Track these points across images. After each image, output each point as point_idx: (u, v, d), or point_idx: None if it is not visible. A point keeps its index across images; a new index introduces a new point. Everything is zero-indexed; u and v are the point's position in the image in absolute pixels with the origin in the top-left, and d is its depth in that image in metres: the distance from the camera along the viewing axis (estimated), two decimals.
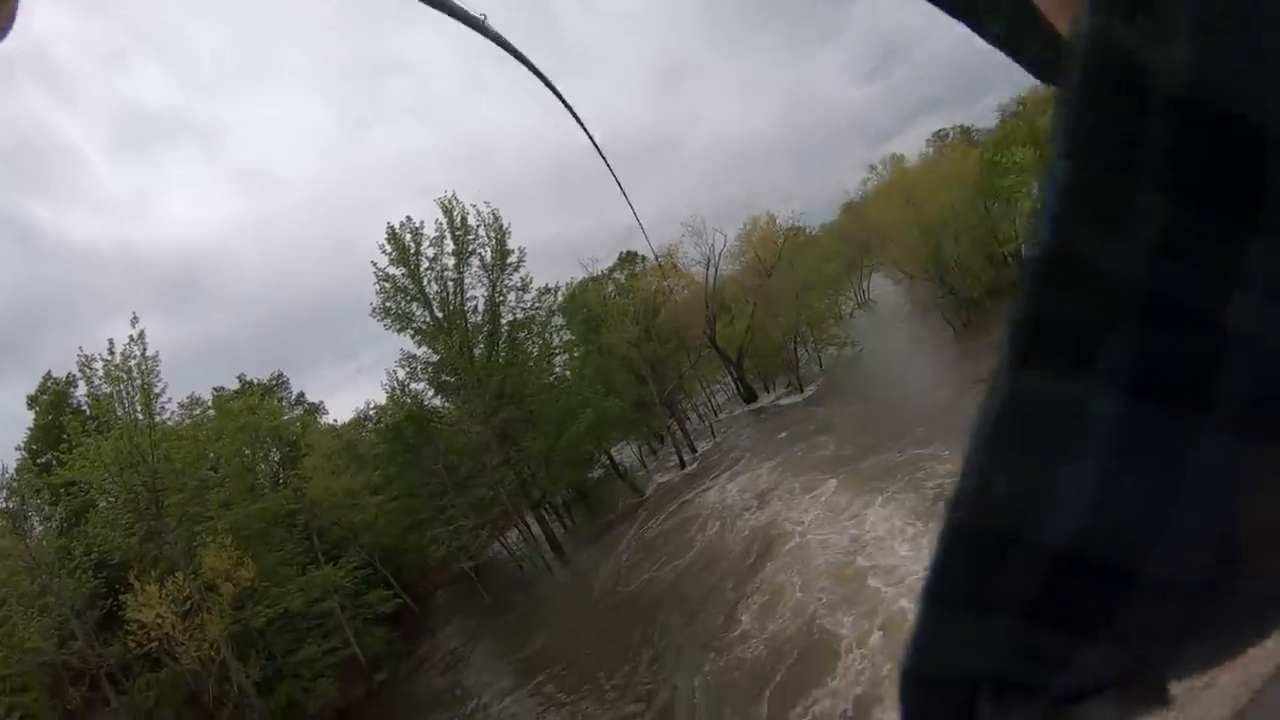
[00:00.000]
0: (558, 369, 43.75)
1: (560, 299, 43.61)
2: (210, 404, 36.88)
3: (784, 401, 40.36)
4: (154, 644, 25.44)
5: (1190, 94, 0.15)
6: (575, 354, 44.69)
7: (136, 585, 25.75)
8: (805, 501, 23.14)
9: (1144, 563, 0.24)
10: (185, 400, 34.37)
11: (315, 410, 49.33)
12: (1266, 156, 0.15)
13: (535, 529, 38.71)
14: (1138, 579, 0.25)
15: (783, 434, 33.09)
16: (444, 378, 39.13)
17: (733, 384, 46.29)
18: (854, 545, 17.54)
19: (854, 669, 12.99)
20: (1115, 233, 0.17)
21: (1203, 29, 0.15)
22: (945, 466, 18.52)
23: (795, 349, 43.02)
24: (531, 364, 40.49)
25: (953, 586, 0.25)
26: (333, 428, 46.11)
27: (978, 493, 0.25)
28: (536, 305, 41.29)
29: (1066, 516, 0.24)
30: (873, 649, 13.04)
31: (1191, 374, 0.21)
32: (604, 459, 43.99)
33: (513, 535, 40.15)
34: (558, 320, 43.52)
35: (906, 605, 13.73)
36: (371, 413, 45.72)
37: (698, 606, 20.36)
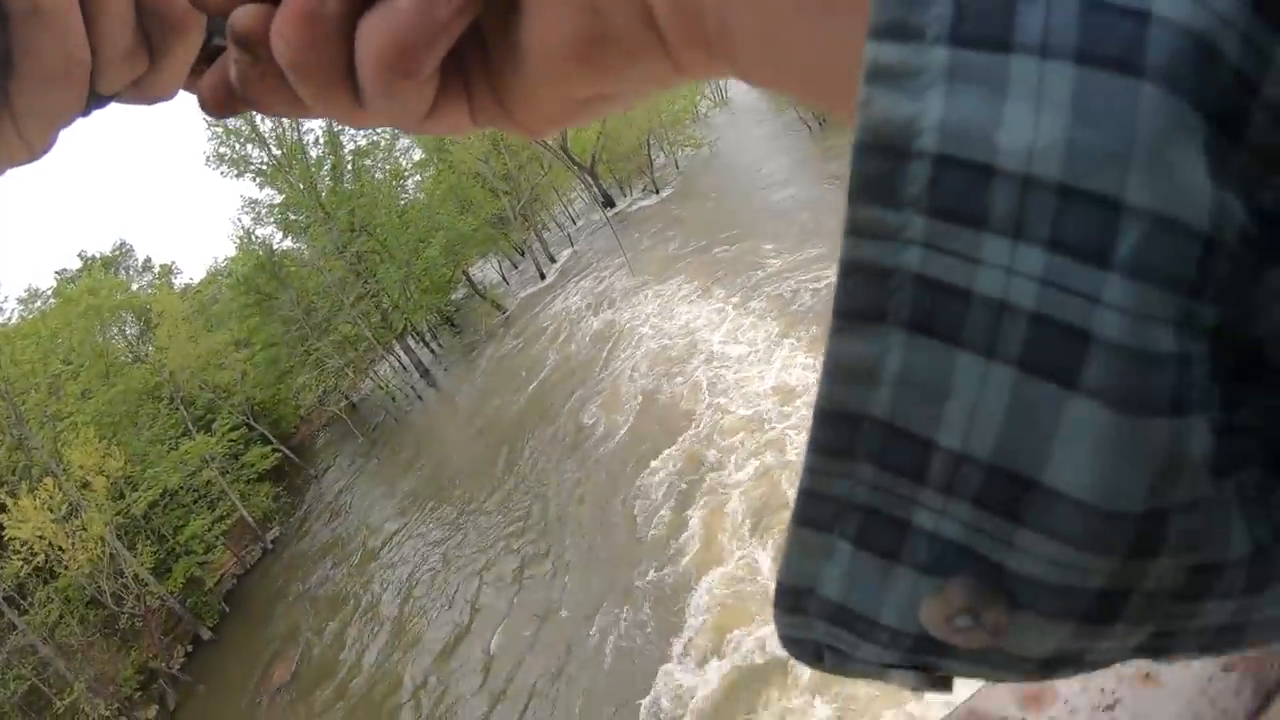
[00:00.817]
0: (409, 192, 42.39)
1: None
2: (51, 292, 34.55)
3: (641, 204, 40.38)
4: (40, 557, 24.86)
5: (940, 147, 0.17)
6: (427, 174, 43.22)
7: (9, 502, 24.93)
8: (648, 299, 23.97)
9: None
10: (24, 294, 32.14)
11: (168, 271, 46.55)
12: (996, 184, 0.17)
13: (405, 359, 38.53)
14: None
15: (635, 234, 33.48)
16: (291, 217, 37.59)
17: (590, 191, 45.74)
18: (683, 330, 19.47)
19: (691, 428, 15.15)
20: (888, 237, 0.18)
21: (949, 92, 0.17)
22: (777, 261, 19.22)
23: (649, 152, 42.54)
24: (381, 191, 39.00)
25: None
26: (188, 288, 43.94)
27: None
28: (371, 138, 39.34)
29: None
30: (704, 408, 15.12)
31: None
32: (464, 280, 43.44)
33: (385, 368, 39.92)
34: (404, 141, 41.68)
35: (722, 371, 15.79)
36: (224, 266, 43.64)
37: (558, 413, 21.15)
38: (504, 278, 46.71)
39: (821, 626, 0.22)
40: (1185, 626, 0.21)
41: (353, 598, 21.14)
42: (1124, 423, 0.17)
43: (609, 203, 44.36)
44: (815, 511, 0.22)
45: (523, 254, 44.85)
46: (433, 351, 41.38)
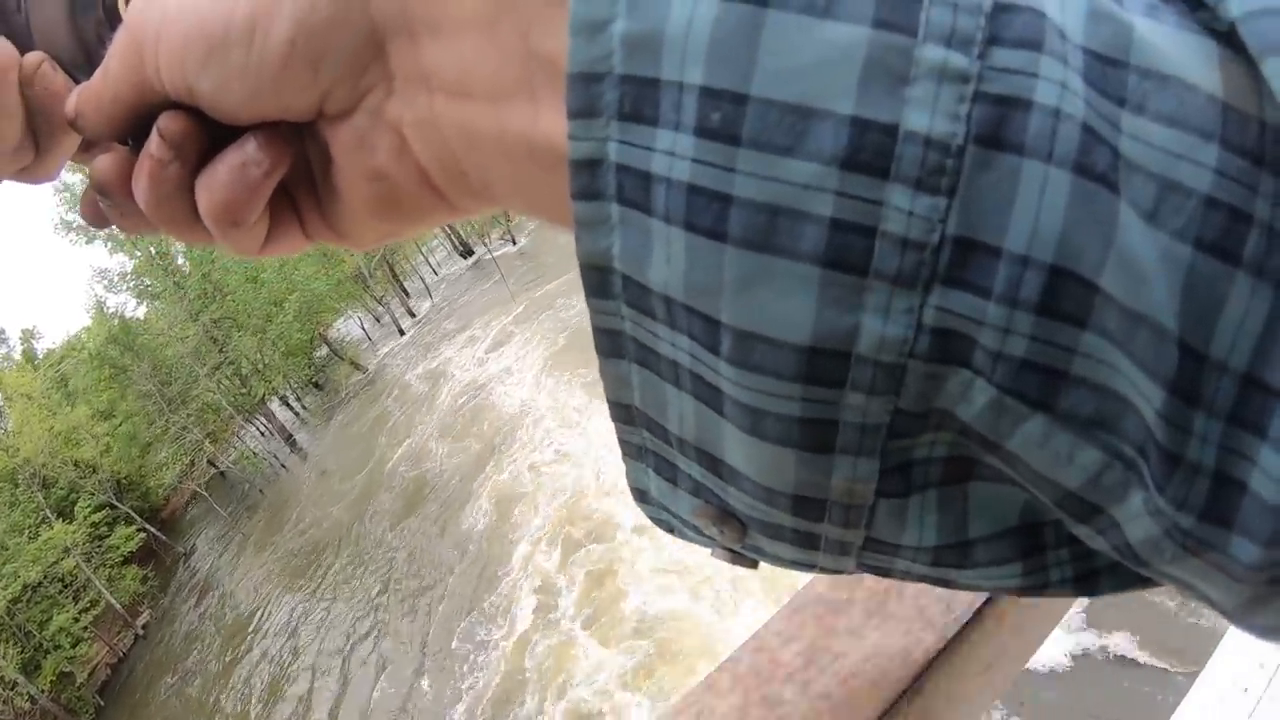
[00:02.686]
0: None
1: None
2: None
3: (498, 253, 41.16)
4: None
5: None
6: None
7: None
8: (493, 351, 25.06)
9: None
10: None
11: (30, 336, 44.61)
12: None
13: (272, 425, 38.29)
14: None
15: (487, 284, 34.97)
16: (146, 283, 37.24)
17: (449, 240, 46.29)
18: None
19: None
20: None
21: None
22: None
23: None
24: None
25: None
26: (47, 358, 42.35)
27: None
28: None
29: None
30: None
31: None
32: (321, 343, 43.35)
33: (252, 434, 39.53)
34: None
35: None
36: (79, 336, 42.38)
37: (413, 470, 21.86)
38: (367, 334, 46.82)
39: (628, 317, 0.25)
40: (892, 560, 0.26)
41: (225, 678, 21.26)
42: None
43: (468, 252, 45.09)
44: (626, 444, 0.28)
45: (387, 307, 45.04)
46: (298, 415, 41.21)
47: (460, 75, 0.26)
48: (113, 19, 0.35)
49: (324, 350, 44.04)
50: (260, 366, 37.81)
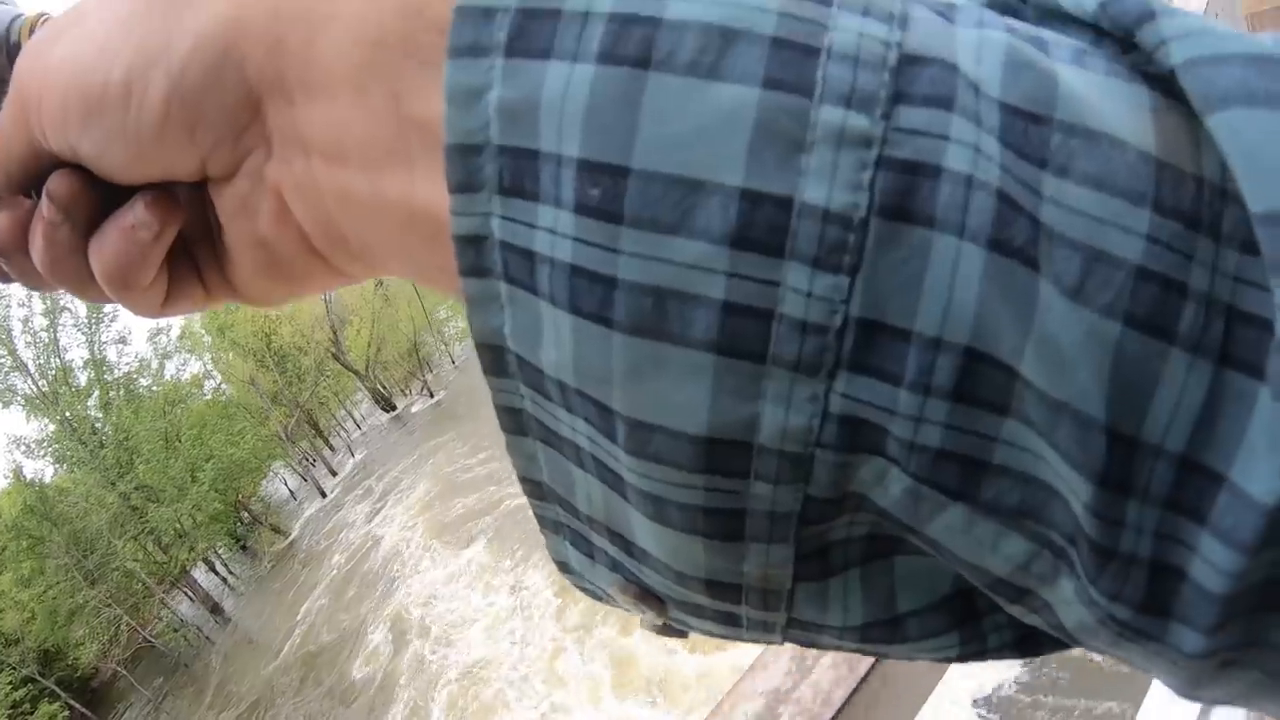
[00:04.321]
0: (189, 410, 42.64)
1: (177, 336, 42.55)
2: None
3: (415, 409, 42.44)
4: None
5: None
6: (204, 394, 43.87)
7: None
8: (415, 523, 25.91)
9: None
10: None
11: None
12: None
13: (197, 594, 38.30)
14: None
15: (407, 442, 36.08)
16: (65, 449, 37.37)
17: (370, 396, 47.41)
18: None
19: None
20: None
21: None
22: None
23: (418, 356, 44.97)
24: (143, 419, 39.13)
25: None
26: None
27: None
28: (142, 357, 40.08)
29: None
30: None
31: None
32: (243, 511, 43.66)
33: (183, 604, 39.38)
34: (175, 362, 42.39)
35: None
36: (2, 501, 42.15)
37: (341, 646, 22.55)
38: (292, 494, 47.23)
39: (527, 396, 0.24)
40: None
41: None
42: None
43: (390, 406, 46.22)
44: (545, 526, 0.27)
45: (315, 463, 45.63)
46: (225, 581, 41.19)
47: (335, 139, 0.25)
48: (15, 59, 0.34)
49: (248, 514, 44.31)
50: (182, 534, 37.98)
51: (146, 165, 0.28)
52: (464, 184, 0.21)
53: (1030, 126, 0.19)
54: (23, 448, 37.89)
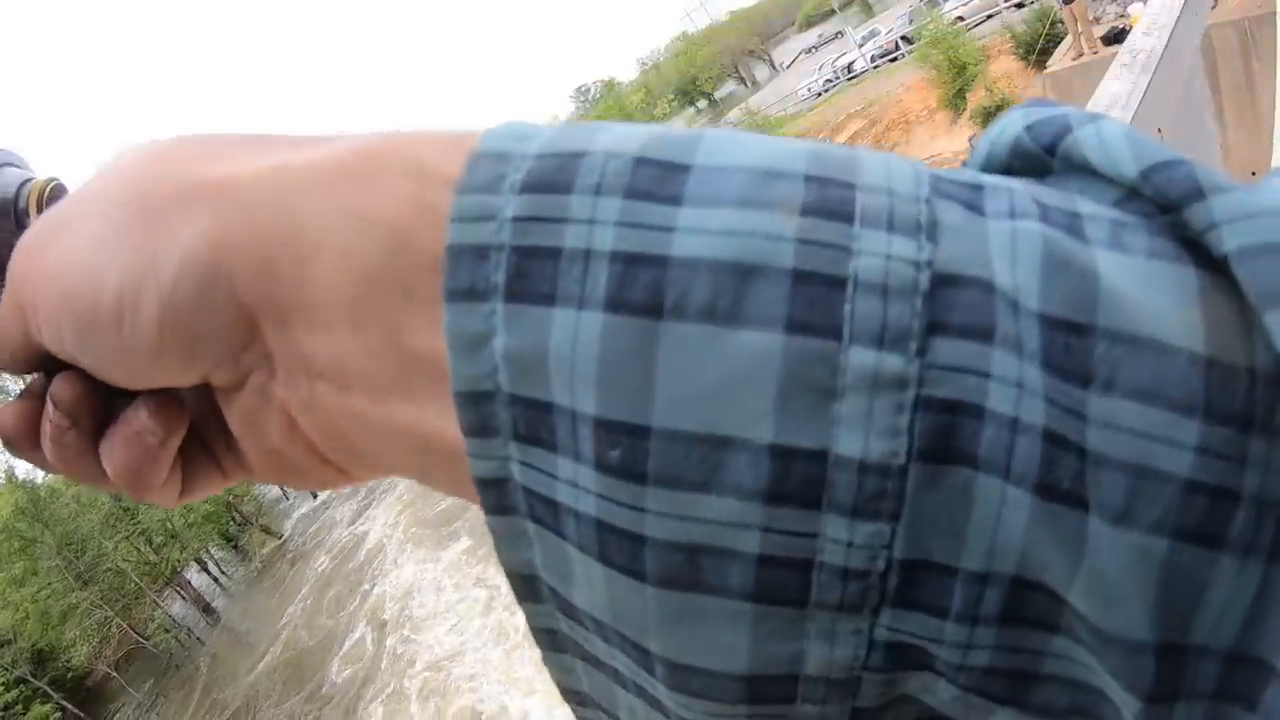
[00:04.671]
0: None
1: None
2: None
3: None
4: None
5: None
6: None
7: None
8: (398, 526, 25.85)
9: None
10: None
11: None
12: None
13: (189, 594, 38.33)
14: None
15: None
16: None
17: None
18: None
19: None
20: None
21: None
22: None
23: None
24: None
25: None
26: None
27: None
28: None
29: None
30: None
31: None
32: (235, 512, 43.67)
33: (176, 605, 39.45)
34: None
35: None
36: None
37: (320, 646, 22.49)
38: (284, 493, 47.06)
39: (562, 620, 0.23)
40: None
41: None
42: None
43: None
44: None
45: None
46: (217, 580, 41.26)
47: (337, 367, 0.24)
48: (23, 226, 0.35)
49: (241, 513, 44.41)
50: (173, 534, 38.03)
51: (146, 380, 0.27)
52: (479, 429, 0.21)
53: (1073, 340, 0.18)
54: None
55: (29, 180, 0.37)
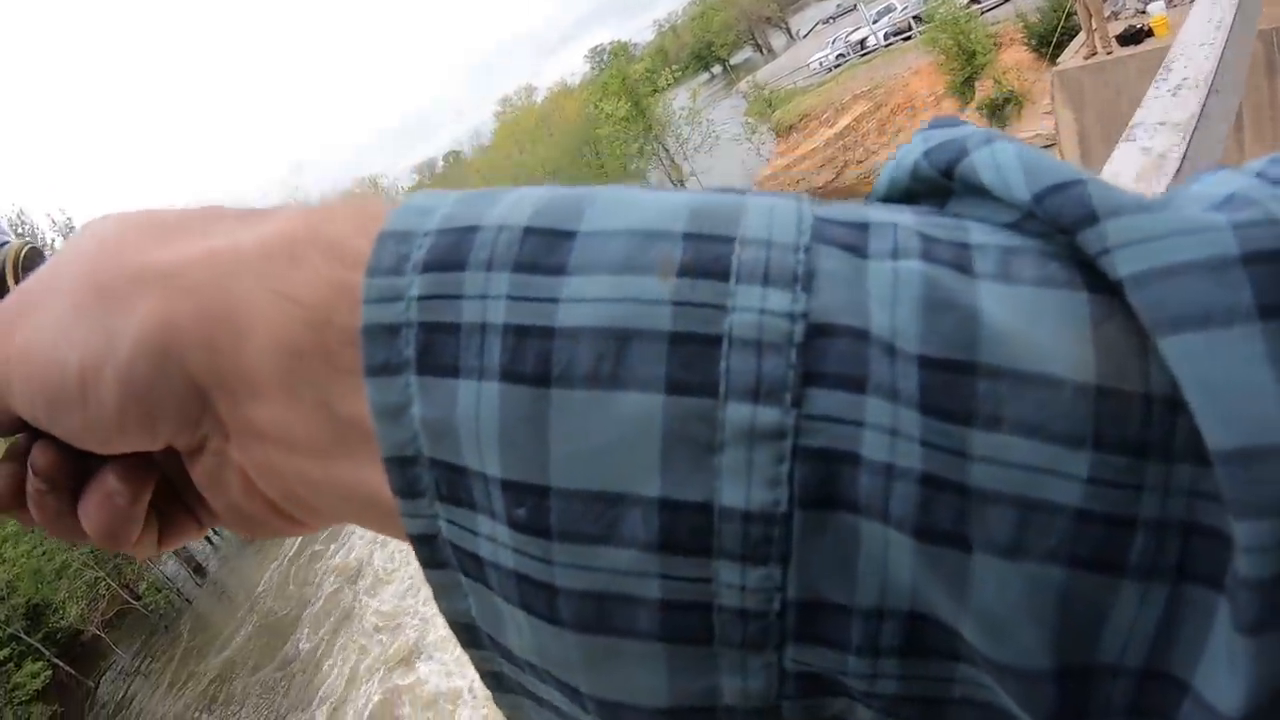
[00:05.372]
0: None
1: None
2: None
3: None
4: None
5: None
6: None
7: None
8: None
9: None
10: None
11: None
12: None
13: (180, 553, 38.38)
14: None
15: None
16: None
17: None
18: None
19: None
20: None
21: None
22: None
23: None
24: None
25: None
26: None
27: None
28: None
29: None
30: None
31: None
32: None
33: (170, 564, 39.61)
34: None
35: None
36: None
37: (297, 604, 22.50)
38: None
39: (505, 664, 0.25)
40: None
41: None
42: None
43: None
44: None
45: None
46: (209, 540, 41.29)
47: (280, 431, 0.26)
48: (0, 289, 0.35)
49: None
50: None
51: (114, 447, 0.29)
52: (407, 491, 0.23)
53: (954, 379, 0.19)
54: None
55: (4, 244, 0.38)
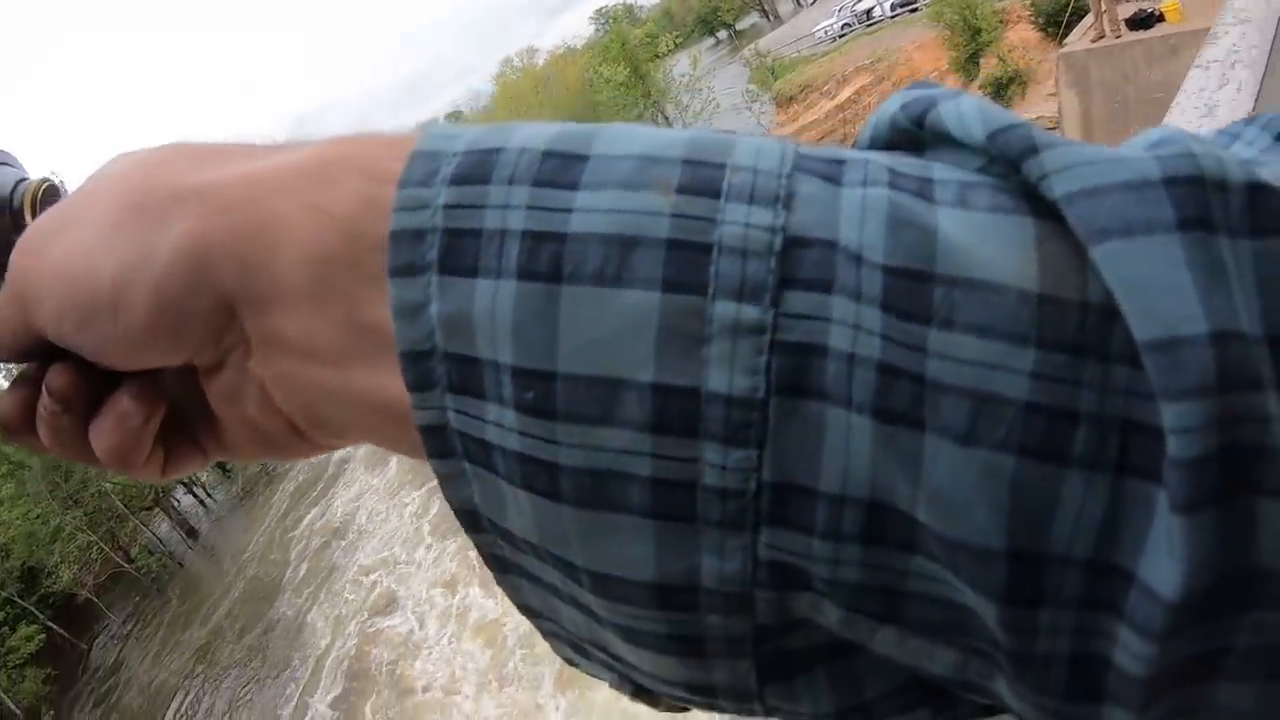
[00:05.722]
0: None
1: None
2: None
3: None
4: None
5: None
6: None
7: None
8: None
9: None
10: None
11: None
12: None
13: (174, 516, 38.42)
14: None
15: None
16: None
17: None
18: None
19: None
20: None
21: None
22: None
23: None
24: None
25: None
26: None
27: None
28: None
29: None
30: None
31: None
32: None
33: (164, 525, 39.66)
34: None
35: None
36: None
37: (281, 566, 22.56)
38: None
39: (505, 546, 0.27)
40: None
41: None
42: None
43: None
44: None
45: None
46: (203, 503, 41.36)
47: (303, 341, 0.27)
48: (19, 224, 0.37)
49: None
50: None
51: (138, 362, 0.30)
52: (420, 384, 0.25)
53: (914, 285, 0.21)
54: (3, 372, 37.59)
55: (23, 180, 0.39)
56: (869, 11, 33.99)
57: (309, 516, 27.35)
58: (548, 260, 0.23)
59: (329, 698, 18.63)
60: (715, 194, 0.23)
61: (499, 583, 0.28)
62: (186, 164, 0.29)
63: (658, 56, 43.34)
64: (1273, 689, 0.21)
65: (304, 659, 20.31)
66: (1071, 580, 0.21)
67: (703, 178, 0.23)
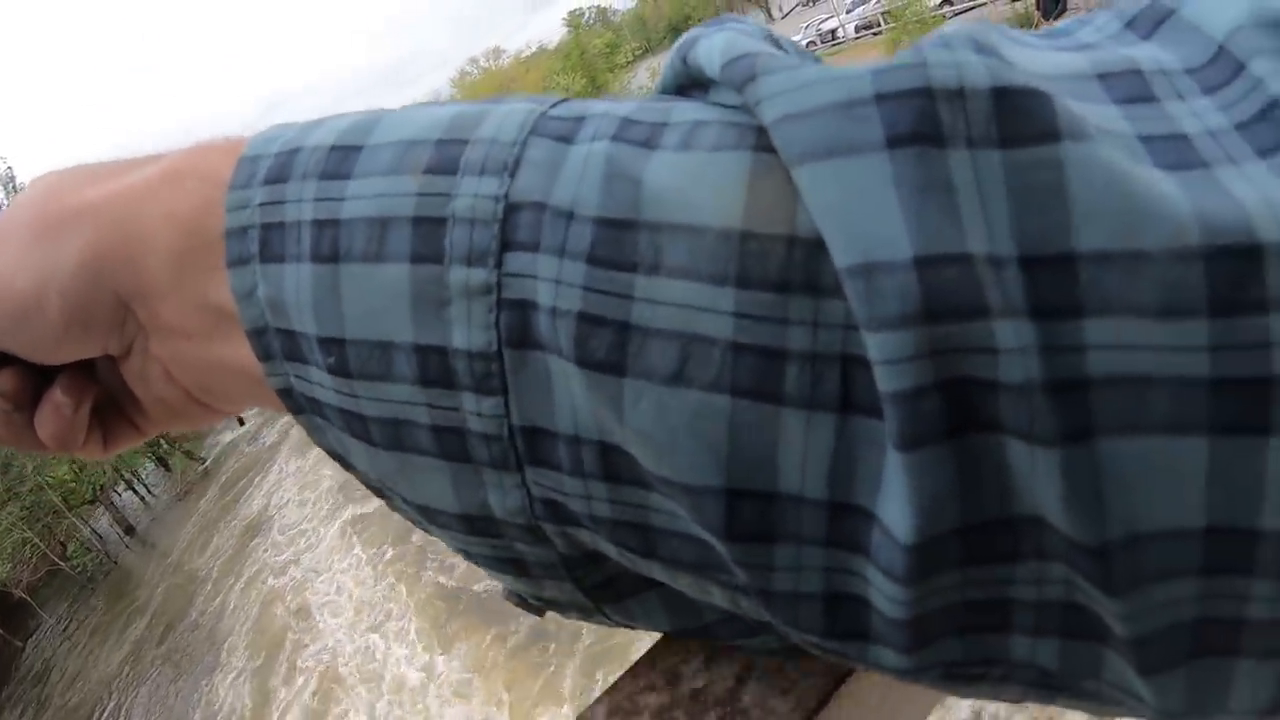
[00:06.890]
0: None
1: None
2: None
3: None
4: None
5: None
6: None
7: None
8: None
9: None
10: None
11: None
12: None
13: (114, 513, 37.75)
14: None
15: None
16: None
17: None
18: None
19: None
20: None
21: None
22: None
23: None
24: None
25: None
26: None
27: None
28: None
29: None
30: None
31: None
32: (163, 437, 42.64)
33: (104, 521, 38.90)
34: None
35: None
36: None
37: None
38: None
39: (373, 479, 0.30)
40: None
41: None
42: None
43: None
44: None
45: None
46: (143, 499, 40.68)
47: (178, 324, 0.31)
48: None
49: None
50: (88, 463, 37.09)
51: (63, 355, 0.34)
52: (265, 354, 0.28)
53: (620, 235, 0.22)
54: None
55: None
56: (834, 32, 34.13)
57: (236, 506, 27.09)
58: (329, 244, 0.26)
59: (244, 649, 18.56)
60: (454, 170, 0.25)
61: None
62: (85, 183, 0.33)
63: (617, 67, 43.22)
64: (1074, 646, 0.20)
65: (219, 645, 20.10)
66: (811, 519, 0.21)
67: (446, 156, 0.25)
